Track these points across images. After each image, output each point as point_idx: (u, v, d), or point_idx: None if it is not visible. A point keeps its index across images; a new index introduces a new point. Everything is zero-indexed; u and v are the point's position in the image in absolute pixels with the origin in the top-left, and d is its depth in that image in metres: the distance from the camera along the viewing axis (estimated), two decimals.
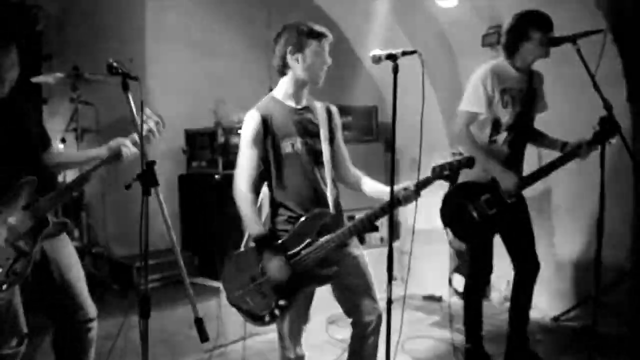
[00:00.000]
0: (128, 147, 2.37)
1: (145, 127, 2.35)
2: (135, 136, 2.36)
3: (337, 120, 2.63)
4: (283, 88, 2.51)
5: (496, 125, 3.06)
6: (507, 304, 3.32)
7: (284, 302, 2.38)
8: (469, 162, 2.30)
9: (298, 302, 2.43)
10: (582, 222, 3.91)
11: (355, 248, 2.54)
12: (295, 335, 2.52)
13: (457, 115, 3.11)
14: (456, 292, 4.58)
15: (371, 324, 2.46)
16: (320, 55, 2.41)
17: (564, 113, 3.74)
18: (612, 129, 2.72)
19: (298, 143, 2.45)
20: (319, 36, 2.41)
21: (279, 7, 5.18)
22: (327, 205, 2.46)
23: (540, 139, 3.22)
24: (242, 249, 2.47)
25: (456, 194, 3.07)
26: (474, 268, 3.32)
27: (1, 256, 2.17)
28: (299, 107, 2.51)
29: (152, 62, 4.63)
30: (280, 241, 2.40)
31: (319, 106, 2.58)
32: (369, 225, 2.37)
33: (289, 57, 2.42)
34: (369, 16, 4.51)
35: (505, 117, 3.03)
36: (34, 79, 4.09)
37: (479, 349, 3.31)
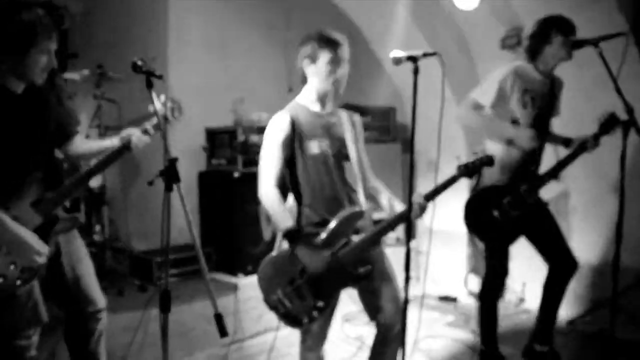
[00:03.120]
0: (138, 136, 2.36)
1: (160, 112, 2.33)
2: (147, 125, 2.39)
3: (360, 130, 2.64)
4: (306, 95, 2.54)
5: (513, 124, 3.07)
6: (522, 306, 3.33)
7: (322, 304, 2.35)
8: (489, 161, 2.40)
9: (333, 303, 2.43)
10: (599, 224, 3.88)
11: (384, 248, 2.56)
12: (320, 336, 2.53)
13: (465, 99, 3.15)
14: (471, 292, 4.58)
15: (395, 328, 2.41)
16: (334, 64, 2.42)
17: (585, 115, 3.72)
18: (615, 122, 2.83)
19: (325, 144, 2.47)
20: (332, 45, 2.41)
21: (299, 8, 5.23)
22: (356, 205, 2.50)
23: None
24: (276, 251, 2.43)
25: (478, 199, 3.08)
26: (491, 270, 3.31)
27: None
28: (324, 111, 2.54)
29: (174, 62, 4.70)
30: (318, 241, 2.36)
31: (343, 114, 2.60)
32: (399, 224, 2.39)
33: (306, 69, 2.48)
34: (388, 18, 4.52)
35: (524, 117, 3.05)
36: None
37: (494, 351, 3.31)
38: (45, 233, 2.23)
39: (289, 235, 2.32)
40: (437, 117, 2.26)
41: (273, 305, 2.39)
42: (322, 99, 2.53)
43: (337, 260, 2.36)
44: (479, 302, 3.35)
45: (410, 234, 2.26)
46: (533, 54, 3.07)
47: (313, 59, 2.45)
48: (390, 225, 2.40)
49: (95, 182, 4.39)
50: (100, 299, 2.48)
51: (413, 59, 2.19)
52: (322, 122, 2.51)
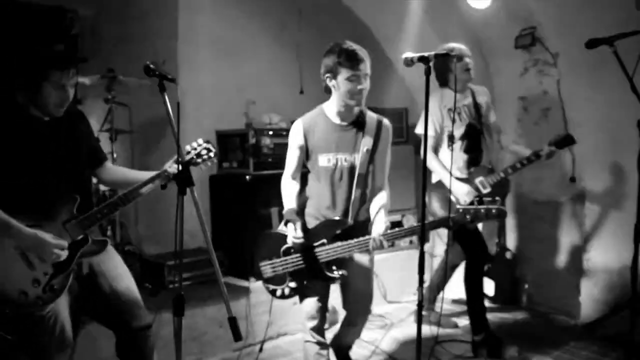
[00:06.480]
0: (171, 165, 2.41)
1: (193, 152, 2.46)
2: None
3: (386, 134, 2.73)
4: (330, 103, 2.68)
5: (451, 137, 3.44)
6: None
7: (294, 285, 2.71)
8: (503, 213, 2.43)
9: (310, 289, 2.71)
10: (616, 226, 3.83)
11: (365, 256, 2.75)
12: (315, 317, 2.76)
13: (420, 138, 3.27)
14: (485, 295, 4.53)
15: (361, 321, 2.89)
16: (353, 81, 2.50)
17: (604, 115, 3.68)
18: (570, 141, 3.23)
19: (334, 159, 2.66)
20: (352, 62, 2.48)
21: (310, 9, 5.21)
22: (346, 216, 2.68)
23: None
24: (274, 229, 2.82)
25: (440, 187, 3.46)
26: (470, 256, 3.56)
27: (39, 271, 2.17)
28: (344, 123, 2.67)
29: (184, 64, 4.68)
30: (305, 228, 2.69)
31: (371, 119, 2.70)
32: (379, 245, 2.52)
33: (327, 81, 2.59)
34: (400, 18, 4.49)
35: (457, 129, 3.45)
36: None
37: (491, 336, 3.48)
38: (74, 252, 2.26)
39: (286, 213, 2.66)
40: None
41: (258, 272, 2.78)
42: (342, 112, 2.65)
43: (311, 253, 2.63)
44: (466, 291, 3.57)
45: (423, 237, 2.23)
46: (441, 82, 3.50)
47: (333, 75, 2.54)
48: (354, 247, 2.59)
49: (105, 186, 4.38)
50: (145, 315, 2.46)
51: (425, 59, 2.16)
52: (338, 135, 2.66)
